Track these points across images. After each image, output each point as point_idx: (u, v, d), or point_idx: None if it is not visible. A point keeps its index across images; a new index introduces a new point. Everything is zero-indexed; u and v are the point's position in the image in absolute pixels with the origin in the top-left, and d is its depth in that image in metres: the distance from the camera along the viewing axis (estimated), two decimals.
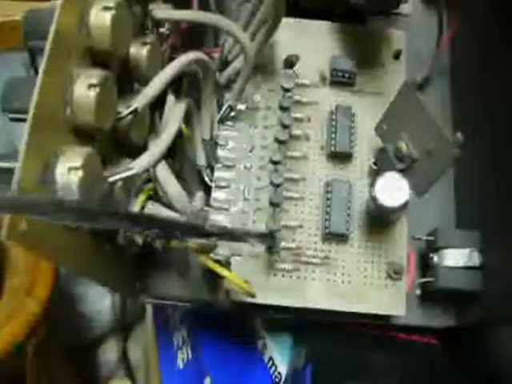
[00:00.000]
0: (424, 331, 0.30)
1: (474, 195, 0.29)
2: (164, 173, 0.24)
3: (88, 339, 0.43)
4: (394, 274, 0.26)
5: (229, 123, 0.28)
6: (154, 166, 0.23)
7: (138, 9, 0.25)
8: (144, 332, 0.41)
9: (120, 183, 0.22)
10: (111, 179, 0.21)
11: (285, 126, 0.27)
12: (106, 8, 0.20)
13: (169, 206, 0.24)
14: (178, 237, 0.24)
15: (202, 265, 0.26)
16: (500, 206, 0.26)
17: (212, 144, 0.28)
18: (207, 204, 0.27)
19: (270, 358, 0.31)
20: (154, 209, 0.24)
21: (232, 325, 0.32)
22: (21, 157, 0.17)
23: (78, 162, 0.18)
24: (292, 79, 0.27)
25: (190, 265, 0.29)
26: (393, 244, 0.27)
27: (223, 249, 0.26)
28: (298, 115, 0.28)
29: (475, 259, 0.27)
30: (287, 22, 0.28)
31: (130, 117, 0.22)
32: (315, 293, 0.26)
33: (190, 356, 0.34)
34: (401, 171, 0.24)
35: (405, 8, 0.32)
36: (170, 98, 0.26)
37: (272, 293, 0.26)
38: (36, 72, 0.22)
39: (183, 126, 0.27)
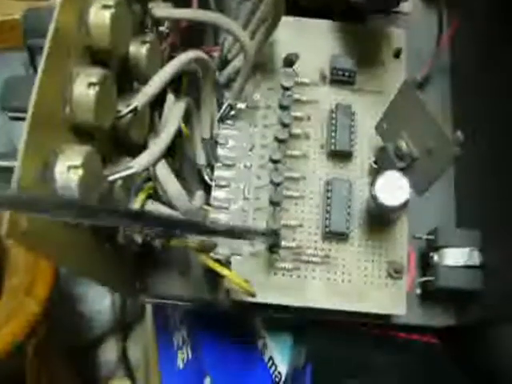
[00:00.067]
0: (424, 330, 0.30)
1: (475, 194, 0.29)
2: (164, 172, 0.24)
3: (88, 339, 0.43)
4: (395, 273, 0.26)
5: (229, 122, 0.28)
6: (154, 164, 0.23)
7: (137, 7, 0.24)
8: (144, 332, 0.41)
9: (120, 182, 0.22)
10: (111, 178, 0.21)
11: (285, 125, 0.27)
12: (106, 6, 0.20)
13: (169, 204, 0.24)
14: (178, 235, 0.24)
15: (202, 264, 0.26)
16: (500, 205, 0.26)
17: (212, 143, 0.28)
18: (207, 203, 0.27)
19: (270, 358, 0.31)
20: (153, 208, 0.24)
21: (232, 324, 0.32)
22: (20, 155, 0.17)
23: (78, 161, 0.18)
24: (292, 78, 0.27)
25: (190, 264, 0.29)
26: (393, 243, 0.27)
27: (223, 248, 0.26)
28: (298, 114, 0.28)
29: (475, 258, 0.27)
30: (287, 21, 0.28)
31: (129, 115, 0.22)
32: (315, 292, 0.26)
33: (190, 356, 0.34)
34: (401, 170, 0.24)
35: (405, 6, 0.32)
36: (170, 96, 0.26)
37: (272, 292, 0.26)
38: (35, 71, 0.22)
39: (183, 125, 0.27)
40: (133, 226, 0.23)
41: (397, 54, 0.29)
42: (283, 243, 0.26)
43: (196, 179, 0.29)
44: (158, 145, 0.23)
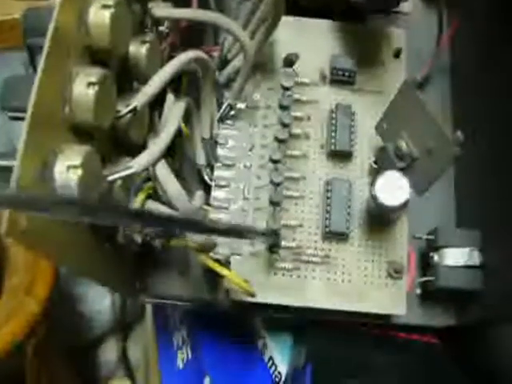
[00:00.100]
0: (424, 330, 0.30)
1: (475, 194, 0.29)
2: (163, 172, 0.24)
3: (88, 339, 0.42)
4: (395, 273, 0.26)
5: (228, 122, 0.28)
6: (154, 164, 0.23)
7: (137, 7, 0.24)
8: (144, 332, 0.41)
9: (119, 182, 0.22)
10: (110, 178, 0.21)
11: (285, 125, 0.27)
12: (105, 6, 0.20)
13: (168, 204, 0.24)
14: (177, 234, 0.24)
15: (202, 264, 0.26)
16: (500, 205, 0.26)
17: (212, 143, 0.28)
18: (207, 203, 0.27)
19: (270, 358, 0.31)
20: (153, 208, 0.24)
21: (232, 324, 0.32)
22: (19, 155, 0.17)
23: (77, 161, 0.18)
24: (292, 78, 0.27)
25: (190, 264, 0.29)
26: (393, 243, 0.27)
27: (223, 248, 0.26)
28: (298, 114, 0.28)
29: (475, 258, 0.27)
30: (287, 21, 0.28)
31: (129, 115, 0.22)
32: (315, 292, 0.26)
33: (189, 356, 0.34)
34: (401, 170, 0.24)
35: (405, 6, 0.32)
36: (170, 96, 0.26)
37: (272, 292, 0.26)
38: (35, 70, 0.22)
39: (183, 125, 0.26)
40: (132, 225, 0.23)
41: (397, 54, 0.29)
42: (283, 243, 0.26)
43: (196, 179, 0.28)
44: (157, 145, 0.23)
